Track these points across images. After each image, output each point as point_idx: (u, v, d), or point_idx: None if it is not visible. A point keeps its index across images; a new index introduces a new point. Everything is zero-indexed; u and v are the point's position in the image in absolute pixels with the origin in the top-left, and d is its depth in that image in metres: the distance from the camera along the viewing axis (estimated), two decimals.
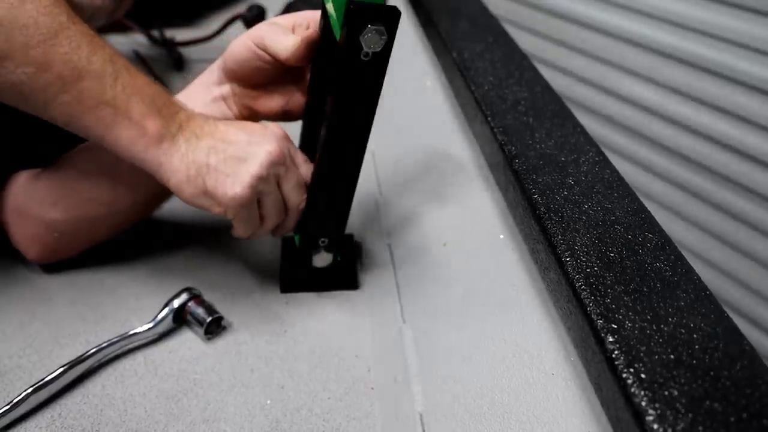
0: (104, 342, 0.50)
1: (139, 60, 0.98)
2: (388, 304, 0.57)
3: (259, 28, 0.50)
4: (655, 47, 1.27)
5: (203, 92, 0.54)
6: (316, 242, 0.55)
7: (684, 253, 0.41)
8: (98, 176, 0.54)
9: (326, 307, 0.58)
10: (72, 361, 0.48)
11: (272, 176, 0.48)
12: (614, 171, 0.50)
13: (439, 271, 0.56)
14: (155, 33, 1.03)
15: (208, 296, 0.56)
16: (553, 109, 0.58)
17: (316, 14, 0.50)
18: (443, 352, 0.49)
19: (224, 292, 0.58)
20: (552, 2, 1.45)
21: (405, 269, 0.59)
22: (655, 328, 0.35)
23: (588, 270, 0.39)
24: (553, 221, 0.44)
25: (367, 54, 0.44)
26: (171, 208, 0.62)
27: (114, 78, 0.43)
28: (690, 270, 0.40)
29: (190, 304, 0.53)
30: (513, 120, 0.57)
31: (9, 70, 0.41)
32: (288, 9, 0.99)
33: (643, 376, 0.32)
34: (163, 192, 0.57)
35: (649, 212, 0.45)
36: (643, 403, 0.30)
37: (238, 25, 0.99)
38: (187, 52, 1.02)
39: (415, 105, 0.82)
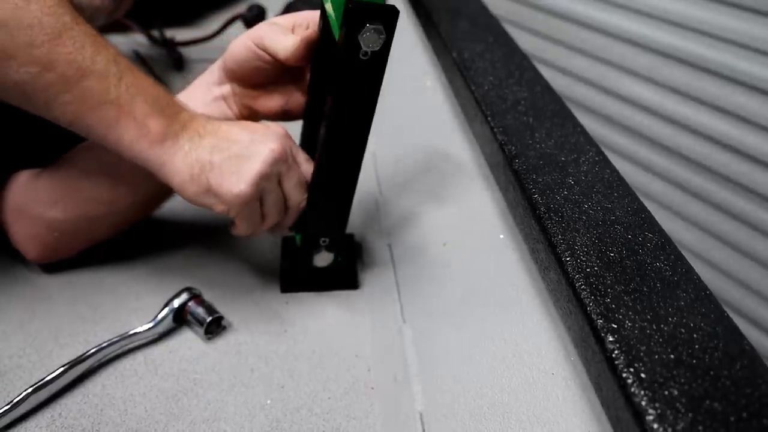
0: (104, 342, 0.50)
1: (139, 60, 0.98)
2: (388, 303, 0.57)
3: (259, 28, 0.50)
4: (655, 47, 1.27)
5: (204, 92, 0.54)
6: (317, 241, 0.55)
7: (684, 253, 0.41)
8: (99, 175, 0.54)
9: (326, 307, 0.58)
10: (72, 360, 0.48)
11: (274, 174, 0.48)
12: (614, 171, 0.50)
13: (439, 270, 0.56)
14: (155, 33, 1.03)
15: (208, 296, 0.56)
16: (553, 109, 0.58)
17: (316, 14, 0.51)
18: (443, 352, 0.49)
19: (224, 292, 0.58)
20: (552, 2, 1.45)
21: (405, 269, 0.59)
22: (655, 327, 0.35)
23: (588, 270, 0.39)
24: (553, 221, 0.44)
25: (366, 53, 0.44)
26: (171, 207, 0.62)
27: (118, 78, 0.44)
28: (690, 270, 0.40)
29: (190, 303, 0.53)
30: (513, 120, 0.57)
31: (13, 69, 0.41)
32: (288, 9, 0.99)
33: (643, 375, 0.32)
34: (164, 191, 0.57)
35: (649, 212, 0.45)
36: (643, 403, 0.30)
37: (238, 25, 0.99)
38: (187, 52, 1.02)
39: (415, 105, 0.82)
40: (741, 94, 1.15)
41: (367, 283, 0.60)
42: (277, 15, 0.87)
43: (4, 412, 0.45)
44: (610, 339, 0.34)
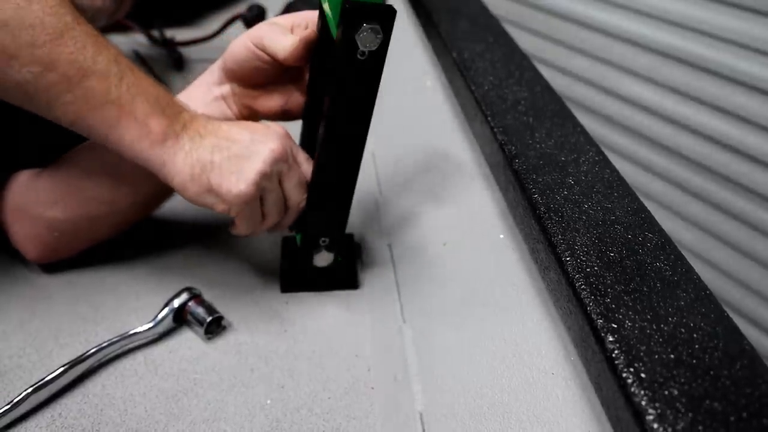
0: (104, 342, 0.50)
1: (139, 60, 0.98)
2: (388, 303, 0.57)
3: (259, 28, 0.50)
4: (655, 47, 1.27)
5: (204, 92, 0.54)
6: (317, 241, 0.55)
7: (684, 253, 0.41)
8: (99, 175, 0.54)
9: (326, 307, 0.58)
10: (72, 360, 0.48)
11: (275, 174, 0.48)
12: (614, 171, 0.50)
13: (439, 270, 0.56)
14: (155, 33, 1.03)
15: (208, 296, 0.56)
16: (553, 109, 0.58)
17: (315, 14, 0.51)
18: (443, 352, 0.49)
19: (224, 292, 0.58)
20: (552, 2, 1.45)
21: (405, 269, 0.59)
22: (655, 327, 0.35)
23: (588, 270, 0.39)
24: (553, 221, 0.44)
25: (363, 53, 0.44)
26: (171, 207, 0.62)
27: (119, 78, 0.44)
28: (690, 270, 0.40)
29: (190, 303, 0.53)
30: (513, 120, 0.57)
31: (15, 69, 0.41)
32: (288, 9, 0.99)
33: (643, 375, 0.32)
34: (164, 191, 0.57)
35: (649, 212, 0.45)
36: (643, 403, 0.30)
37: (238, 25, 0.99)
38: (187, 52, 1.02)
39: (415, 105, 0.82)
40: (741, 94, 1.15)
41: (367, 283, 0.60)
42: (277, 15, 0.87)
43: (4, 412, 0.45)
44: (610, 339, 0.34)
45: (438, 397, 0.45)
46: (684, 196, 1.31)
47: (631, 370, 0.32)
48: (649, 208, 0.46)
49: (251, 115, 0.55)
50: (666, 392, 0.31)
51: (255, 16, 0.98)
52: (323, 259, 0.56)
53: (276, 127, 0.50)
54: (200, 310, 0.53)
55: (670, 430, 0.29)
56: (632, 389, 0.31)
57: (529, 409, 0.39)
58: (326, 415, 0.47)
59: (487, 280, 0.51)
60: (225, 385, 0.50)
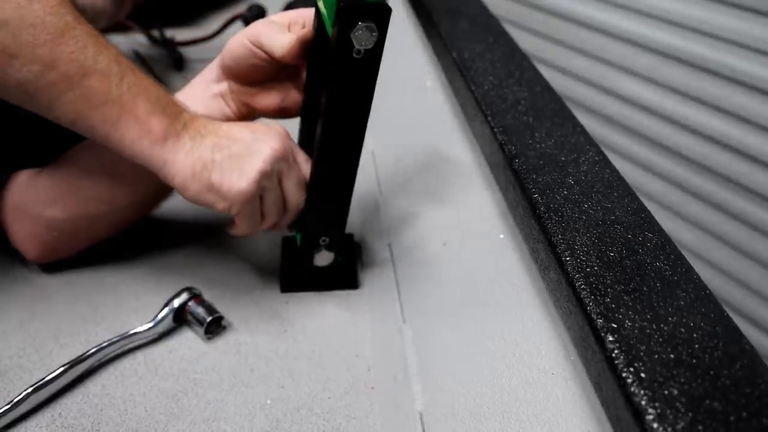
0: (104, 341, 0.50)
1: (139, 60, 0.98)
2: (388, 303, 0.57)
3: (256, 26, 0.51)
4: (655, 47, 1.27)
5: (202, 89, 0.54)
6: (317, 241, 0.55)
7: (684, 253, 0.41)
8: (98, 174, 0.54)
9: (326, 307, 0.58)
10: (72, 360, 0.48)
11: (275, 172, 0.48)
12: (614, 171, 0.50)
13: (439, 270, 0.56)
14: (155, 33, 1.03)
15: (208, 296, 0.56)
16: (553, 109, 0.58)
17: (312, 12, 0.51)
18: (443, 352, 0.49)
19: (224, 292, 0.58)
20: (552, 2, 1.45)
21: (405, 269, 0.59)
22: (654, 327, 0.35)
23: (588, 269, 0.39)
24: (553, 221, 0.44)
25: (359, 51, 0.44)
26: (171, 207, 0.62)
27: (120, 77, 0.44)
28: (690, 270, 0.40)
29: (190, 303, 0.53)
30: (513, 120, 0.57)
31: (15, 68, 0.41)
32: (288, 9, 0.99)
33: (642, 375, 0.32)
34: (163, 190, 0.57)
35: (649, 212, 0.45)
36: (643, 402, 0.30)
37: (238, 25, 0.99)
38: (187, 52, 1.02)
39: (415, 105, 0.82)
40: (741, 94, 1.15)
41: (367, 283, 0.60)
42: None
43: (4, 412, 0.45)
44: (610, 339, 0.34)
45: (438, 397, 0.45)
46: (684, 196, 1.31)
47: (631, 369, 0.32)
48: (649, 208, 0.46)
49: (249, 112, 0.55)
50: (666, 392, 0.31)
51: (255, 16, 0.98)
52: (323, 258, 0.56)
53: (276, 126, 0.50)
54: (200, 310, 0.53)
55: (670, 429, 0.29)
56: (632, 389, 0.31)
57: (529, 409, 0.39)
58: (326, 415, 0.47)
59: (487, 280, 0.51)
60: (225, 385, 0.50)
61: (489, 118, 0.57)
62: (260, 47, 0.50)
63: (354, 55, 0.44)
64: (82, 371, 0.49)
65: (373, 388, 0.50)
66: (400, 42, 0.93)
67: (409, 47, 0.92)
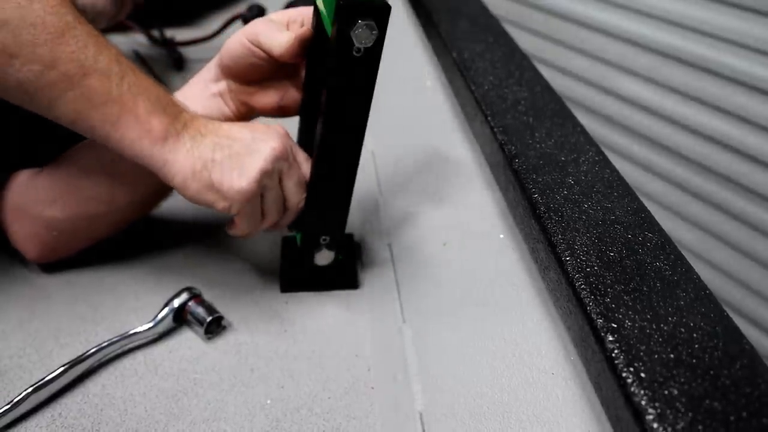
0: (104, 341, 0.50)
1: (139, 60, 0.98)
2: (388, 303, 0.57)
3: (254, 25, 0.51)
4: (655, 47, 1.27)
5: (201, 89, 0.54)
6: (317, 240, 0.55)
7: (684, 253, 0.41)
8: (98, 174, 0.54)
9: (326, 307, 0.58)
10: (72, 360, 0.48)
11: (276, 172, 0.48)
12: (614, 170, 0.50)
13: (439, 270, 0.56)
14: (155, 33, 1.03)
15: (207, 295, 0.56)
16: (553, 109, 0.58)
17: (310, 10, 0.51)
18: (443, 352, 0.49)
19: (224, 292, 0.58)
20: (552, 2, 1.45)
21: (405, 269, 0.59)
22: (654, 327, 0.35)
23: (588, 269, 0.39)
24: (553, 221, 0.44)
25: (359, 50, 0.44)
26: (171, 207, 0.62)
27: (120, 77, 0.44)
28: (690, 270, 0.40)
29: (190, 303, 0.53)
30: (513, 120, 0.57)
31: (15, 68, 0.41)
32: (288, 8, 0.99)
33: (642, 375, 0.32)
34: (163, 190, 0.57)
35: (649, 212, 0.45)
36: (643, 402, 0.30)
37: (238, 25, 0.99)
38: (187, 52, 1.02)
39: (415, 105, 0.82)
40: (741, 94, 1.15)
41: (367, 283, 0.60)
42: None
43: (4, 411, 0.45)
44: (610, 338, 0.34)
45: (438, 397, 0.45)
46: (684, 196, 1.31)
47: (631, 369, 0.32)
48: (649, 208, 0.46)
49: (248, 111, 0.55)
50: (666, 392, 0.31)
51: (255, 16, 0.98)
52: (324, 257, 0.56)
53: (276, 126, 0.50)
54: (200, 310, 0.53)
55: (670, 429, 0.29)
56: (632, 389, 0.31)
57: (529, 409, 0.39)
58: (326, 415, 0.47)
59: (487, 280, 0.51)
60: (225, 385, 0.50)
61: (489, 118, 0.57)
62: (259, 46, 0.50)
63: (354, 53, 0.44)
64: (82, 371, 0.49)
65: (373, 388, 0.50)
66: (400, 42, 0.93)
67: (409, 47, 0.92)
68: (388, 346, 0.52)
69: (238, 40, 0.51)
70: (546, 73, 0.68)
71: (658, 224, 0.44)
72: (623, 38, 1.32)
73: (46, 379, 0.47)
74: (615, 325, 0.35)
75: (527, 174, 0.49)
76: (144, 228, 0.62)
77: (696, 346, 0.34)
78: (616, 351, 0.33)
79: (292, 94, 0.54)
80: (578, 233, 0.42)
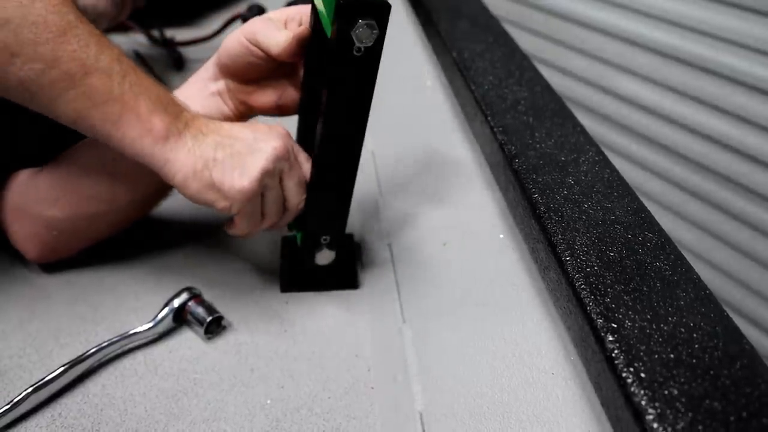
0: (104, 341, 0.50)
1: (139, 60, 0.98)
2: (388, 303, 0.57)
3: (252, 24, 0.51)
4: (654, 47, 1.27)
5: (200, 88, 0.54)
6: (318, 240, 0.55)
7: (684, 253, 0.41)
8: (98, 173, 0.54)
9: (326, 307, 0.58)
10: (72, 360, 0.48)
11: (277, 171, 0.48)
12: (614, 170, 0.50)
13: (439, 270, 0.56)
14: (155, 33, 1.03)
15: (207, 295, 0.56)
16: (553, 109, 0.58)
17: (308, 8, 0.51)
18: (443, 352, 0.49)
19: (224, 292, 0.58)
20: (552, 2, 1.45)
21: (405, 269, 0.59)
22: (654, 327, 0.35)
23: (588, 269, 0.39)
24: (553, 221, 0.44)
25: (359, 49, 0.44)
26: (171, 207, 0.62)
27: (122, 76, 0.44)
28: (690, 270, 0.40)
29: (190, 303, 0.53)
30: (513, 119, 0.57)
31: (17, 67, 0.41)
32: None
33: (642, 375, 0.32)
34: (163, 189, 0.57)
35: (649, 212, 0.45)
36: (643, 402, 0.30)
37: (238, 24, 0.99)
38: (187, 52, 1.02)
39: (415, 104, 0.82)
40: (741, 94, 1.15)
41: (367, 283, 0.60)
42: None
43: (4, 412, 0.45)
44: (610, 339, 0.34)
45: (438, 397, 0.45)
46: (684, 196, 1.31)
47: (631, 369, 0.32)
48: (649, 208, 0.46)
49: (247, 110, 0.55)
50: (666, 392, 0.31)
51: (254, 16, 0.98)
52: (325, 257, 0.56)
53: (277, 126, 0.50)
54: (200, 310, 0.53)
55: (669, 429, 0.29)
56: (632, 389, 0.31)
57: (529, 409, 0.39)
58: (326, 415, 0.47)
59: (487, 280, 0.51)
60: (225, 385, 0.50)
61: (489, 118, 0.57)
62: (257, 45, 0.50)
63: (354, 53, 0.44)
64: (82, 371, 0.49)
65: (373, 388, 0.50)
66: (400, 41, 0.93)
67: (409, 47, 0.92)
68: (388, 347, 0.52)
69: (236, 39, 0.51)
70: (546, 73, 0.68)
71: (658, 224, 0.44)
72: (623, 38, 1.32)
73: (46, 379, 0.47)
74: (615, 325, 0.35)
75: (527, 174, 0.49)
76: (144, 228, 0.62)
77: (696, 346, 0.33)
78: (616, 351, 0.33)
79: (291, 93, 0.54)
80: (578, 233, 0.42)
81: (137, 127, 0.44)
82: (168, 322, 0.53)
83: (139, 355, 0.52)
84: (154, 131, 0.44)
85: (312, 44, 0.50)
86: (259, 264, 0.62)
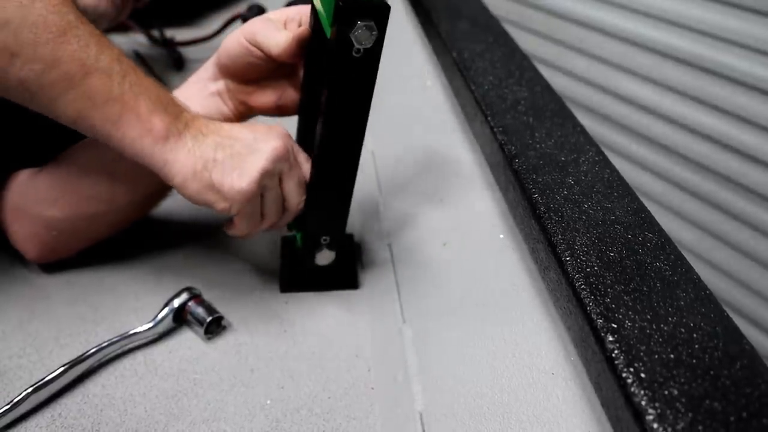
0: (104, 342, 0.50)
1: (139, 60, 0.98)
2: (388, 303, 0.57)
3: (252, 24, 0.51)
4: (655, 47, 1.27)
5: (199, 88, 0.54)
6: (318, 240, 0.55)
7: (684, 253, 0.41)
8: (98, 173, 0.54)
9: (326, 307, 0.58)
10: (72, 360, 0.48)
11: (277, 172, 0.48)
12: (614, 170, 0.50)
13: (439, 270, 0.56)
14: (155, 33, 1.03)
15: (207, 296, 0.56)
16: (553, 109, 0.58)
17: (308, 9, 0.51)
18: (443, 352, 0.49)
19: (224, 292, 0.58)
20: (552, 2, 1.45)
21: (405, 269, 0.59)
22: (654, 327, 0.35)
23: (588, 269, 0.39)
24: (553, 221, 0.44)
25: (358, 50, 0.44)
26: (171, 207, 0.62)
27: (122, 76, 0.44)
28: (690, 270, 0.40)
29: (190, 303, 0.53)
30: (513, 120, 0.57)
31: (17, 67, 0.41)
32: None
33: (642, 375, 0.32)
34: (163, 189, 0.57)
35: (649, 212, 0.45)
36: (643, 403, 0.30)
37: (238, 24, 0.99)
38: (187, 52, 1.02)
39: (415, 104, 0.82)
40: (741, 94, 1.15)
41: (367, 283, 0.60)
42: None
43: (4, 412, 0.45)
44: (610, 339, 0.34)
45: (438, 397, 0.45)
46: (684, 196, 1.31)
47: (631, 370, 0.32)
48: (649, 208, 0.46)
49: (246, 110, 0.55)
50: (666, 392, 0.31)
51: (254, 16, 0.98)
52: (325, 257, 0.56)
53: (277, 126, 0.50)
54: (200, 310, 0.53)
55: (670, 430, 0.29)
56: (632, 389, 0.31)
57: (529, 409, 0.39)
58: (326, 415, 0.47)
59: (487, 281, 0.51)
60: (225, 385, 0.50)
61: (489, 118, 0.57)
62: (256, 45, 0.50)
63: (353, 54, 0.44)
64: (82, 371, 0.49)
65: (373, 388, 0.50)
66: (400, 42, 0.93)
67: (409, 47, 0.92)
68: (388, 347, 0.52)
69: (236, 39, 0.51)
70: (546, 73, 0.68)
71: (658, 224, 0.44)
72: (623, 38, 1.32)
73: (46, 379, 0.47)
74: (615, 326, 0.35)
75: (527, 174, 0.49)
76: (144, 228, 0.62)
77: (696, 346, 0.33)
78: (616, 351, 0.33)
79: (290, 94, 0.54)
80: (578, 233, 0.42)
81: (137, 127, 0.44)
82: (168, 323, 0.53)
83: (139, 356, 0.52)
84: (154, 131, 0.44)
85: (312, 45, 0.50)
86: (258, 264, 0.62)
